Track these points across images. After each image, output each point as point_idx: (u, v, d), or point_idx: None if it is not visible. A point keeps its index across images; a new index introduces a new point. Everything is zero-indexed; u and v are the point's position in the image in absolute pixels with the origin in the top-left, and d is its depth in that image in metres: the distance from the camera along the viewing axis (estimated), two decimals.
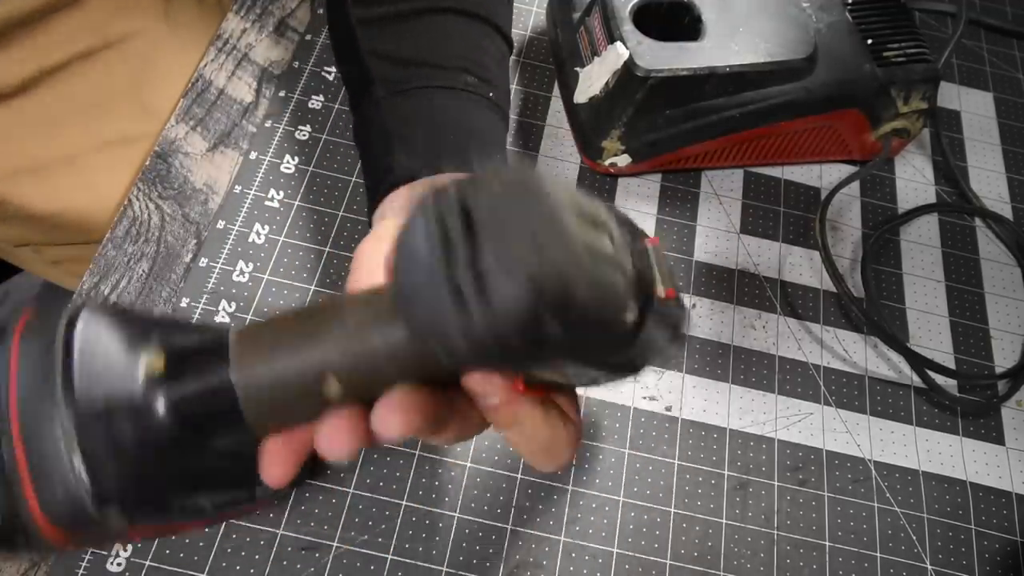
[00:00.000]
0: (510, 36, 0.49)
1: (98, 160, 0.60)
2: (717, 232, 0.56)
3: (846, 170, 0.60)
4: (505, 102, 0.46)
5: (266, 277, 0.49)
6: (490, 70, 0.45)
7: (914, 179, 0.61)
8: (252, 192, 0.52)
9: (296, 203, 0.52)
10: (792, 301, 0.54)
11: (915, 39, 0.56)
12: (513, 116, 0.59)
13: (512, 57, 0.61)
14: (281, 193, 0.53)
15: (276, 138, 0.55)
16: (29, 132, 0.59)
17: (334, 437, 0.27)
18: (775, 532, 0.46)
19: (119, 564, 0.41)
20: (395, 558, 0.42)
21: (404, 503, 0.44)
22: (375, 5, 0.46)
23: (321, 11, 0.61)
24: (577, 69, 0.54)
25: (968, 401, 0.51)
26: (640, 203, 0.57)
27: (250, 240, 0.51)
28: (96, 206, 0.59)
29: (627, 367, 0.29)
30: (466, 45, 0.45)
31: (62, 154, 0.59)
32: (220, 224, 0.51)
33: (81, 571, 0.41)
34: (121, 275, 0.49)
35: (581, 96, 0.54)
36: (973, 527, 0.47)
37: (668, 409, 0.49)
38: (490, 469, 0.45)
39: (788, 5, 0.55)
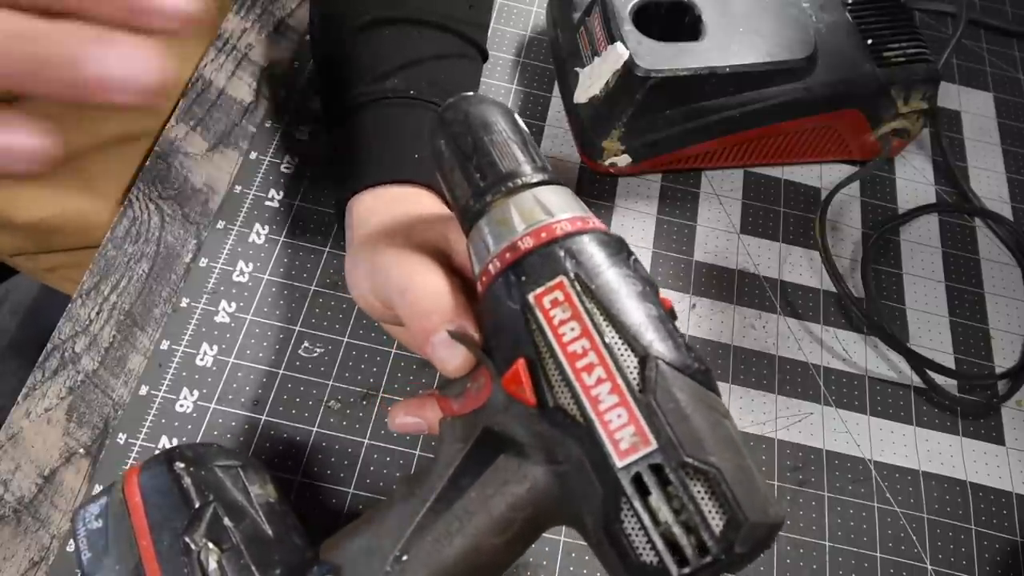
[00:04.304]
0: (448, 24, 0.50)
1: (97, 161, 0.60)
2: (717, 232, 0.56)
3: (846, 170, 0.60)
4: (435, 83, 0.48)
5: (266, 277, 0.49)
6: (419, 62, 0.47)
7: (914, 179, 0.61)
8: (252, 192, 0.52)
9: (296, 203, 0.52)
10: (792, 301, 0.54)
11: (915, 39, 0.56)
12: None
13: (512, 57, 0.61)
14: (281, 193, 0.53)
15: (276, 138, 0.55)
16: None
17: None
18: None
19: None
20: None
21: None
22: (325, 36, 0.51)
23: None
24: (577, 69, 0.54)
25: (968, 401, 0.51)
26: (640, 203, 0.57)
27: (250, 240, 0.51)
28: (94, 207, 0.59)
29: None
30: (391, 49, 0.47)
31: (61, 156, 0.59)
32: (220, 224, 0.51)
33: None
34: (121, 275, 0.49)
35: (581, 96, 0.54)
36: (973, 527, 0.47)
37: None
38: None
39: (788, 5, 0.55)
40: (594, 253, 0.29)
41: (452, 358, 0.32)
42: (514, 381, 0.28)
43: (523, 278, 0.29)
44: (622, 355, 0.27)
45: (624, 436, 0.26)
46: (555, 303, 0.28)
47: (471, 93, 0.34)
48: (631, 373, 0.27)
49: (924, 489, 0.48)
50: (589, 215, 0.31)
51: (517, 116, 0.34)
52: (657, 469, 0.26)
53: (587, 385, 0.27)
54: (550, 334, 0.28)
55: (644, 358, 0.27)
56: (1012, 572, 0.46)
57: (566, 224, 0.30)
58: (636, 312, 0.28)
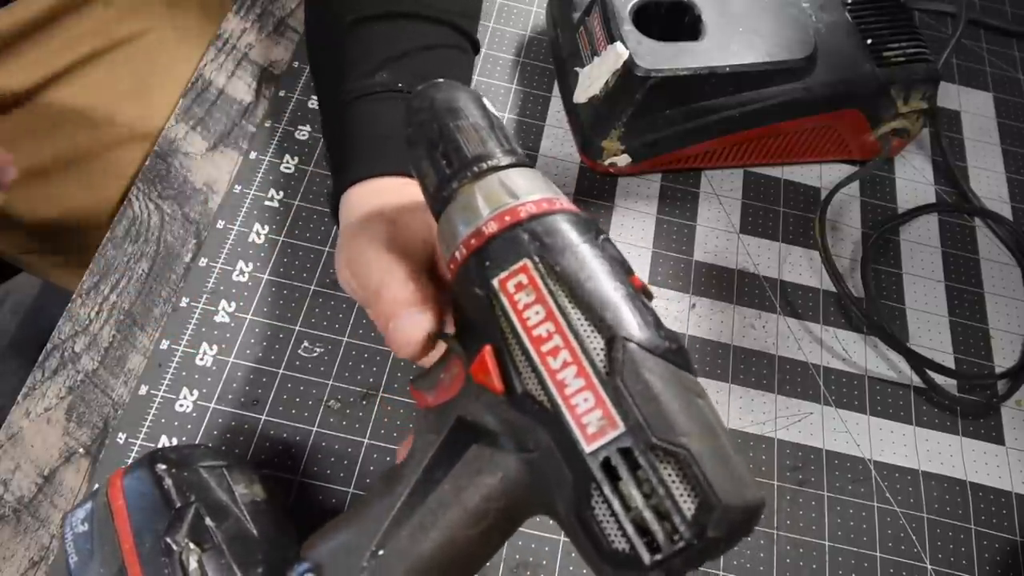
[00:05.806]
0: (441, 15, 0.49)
1: (103, 161, 0.60)
2: (717, 232, 0.56)
3: (846, 170, 0.60)
4: (423, 73, 0.47)
5: (266, 277, 0.49)
6: (407, 55, 0.47)
7: (914, 179, 0.61)
8: (252, 192, 0.52)
9: (296, 203, 0.52)
10: (792, 301, 0.54)
11: (915, 39, 0.56)
12: (513, 116, 0.59)
13: (512, 57, 0.61)
14: (281, 193, 0.53)
15: (276, 138, 0.55)
16: (37, 136, 0.59)
17: None
18: (775, 532, 0.46)
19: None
20: None
21: None
22: (319, 33, 0.51)
23: None
24: (577, 69, 0.54)
25: (968, 401, 0.51)
26: (640, 203, 0.57)
27: (250, 240, 0.51)
28: (100, 207, 0.59)
29: None
30: (380, 44, 0.47)
31: (68, 157, 0.59)
32: (220, 224, 0.51)
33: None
34: (121, 275, 0.49)
35: (581, 96, 0.54)
36: (973, 527, 0.47)
37: None
38: None
39: (788, 5, 0.55)
40: (560, 234, 0.28)
41: (407, 344, 0.33)
42: (481, 369, 0.28)
43: (487, 263, 0.28)
44: (588, 337, 0.27)
45: (591, 420, 0.26)
46: (519, 287, 0.28)
47: (440, 80, 0.33)
48: (598, 355, 0.26)
49: (924, 489, 0.48)
50: (558, 196, 0.30)
51: (486, 100, 0.33)
52: (626, 453, 0.25)
53: (553, 369, 0.27)
54: (515, 319, 0.27)
55: (611, 339, 0.26)
56: (1012, 572, 0.46)
57: (531, 206, 0.29)
58: (603, 292, 0.27)
